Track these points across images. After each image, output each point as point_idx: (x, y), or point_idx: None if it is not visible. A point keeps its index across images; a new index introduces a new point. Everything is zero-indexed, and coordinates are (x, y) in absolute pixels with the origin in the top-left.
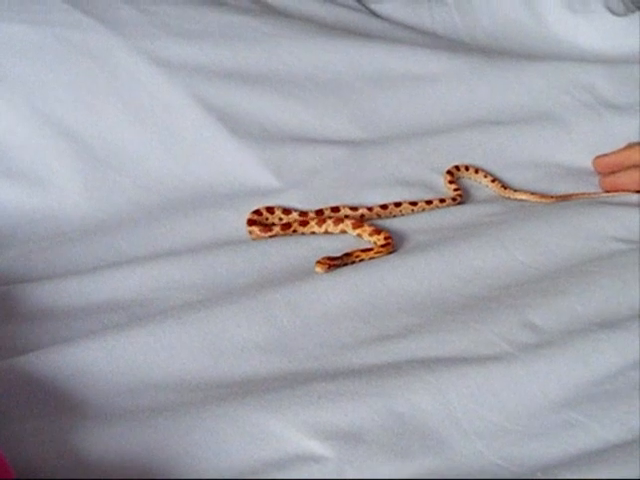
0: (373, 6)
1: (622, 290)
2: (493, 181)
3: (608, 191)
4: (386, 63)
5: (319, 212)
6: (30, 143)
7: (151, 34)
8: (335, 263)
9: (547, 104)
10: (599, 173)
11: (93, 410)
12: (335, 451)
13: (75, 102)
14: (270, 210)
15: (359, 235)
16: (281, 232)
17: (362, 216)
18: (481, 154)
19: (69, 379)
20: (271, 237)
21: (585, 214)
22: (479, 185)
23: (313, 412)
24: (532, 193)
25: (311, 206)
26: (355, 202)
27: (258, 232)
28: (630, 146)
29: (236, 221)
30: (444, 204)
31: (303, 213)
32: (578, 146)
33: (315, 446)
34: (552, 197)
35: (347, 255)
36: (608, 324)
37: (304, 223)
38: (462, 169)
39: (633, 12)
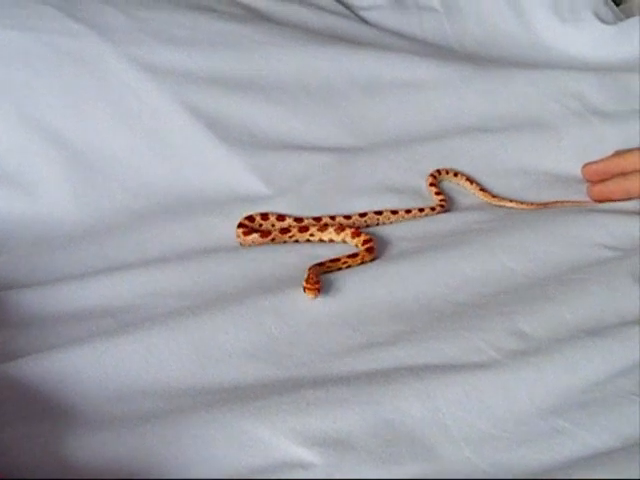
0: (362, 13)
1: (610, 297)
2: (473, 185)
3: (596, 200)
4: (375, 70)
5: (298, 219)
6: (18, 148)
7: (140, 40)
8: (318, 287)
9: (536, 112)
10: (588, 181)
11: (81, 416)
12: (323, 458)
13: (64, 108)
14: (264, 217)
15: (343, 240)
16: (280, 236)
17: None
18: (470, 161)
19: (57, 385)
20: (271, 241)
21: (572, 221)
22: (464, 192)
23: (301, 419)
24: (515, 200)
25: (300, 212)
26: (343, 209)
27: (258, 238)
28: (618, 154)
29: (225, 227)
30: (423, 213)
31: (298, 219)
32: (567, 154)
33: (303, 453)
34: (536, 204)
35: (333, 261)
36: (596, 331)
37: (285, 231)
38: (443, 173)
39: (622, 20)
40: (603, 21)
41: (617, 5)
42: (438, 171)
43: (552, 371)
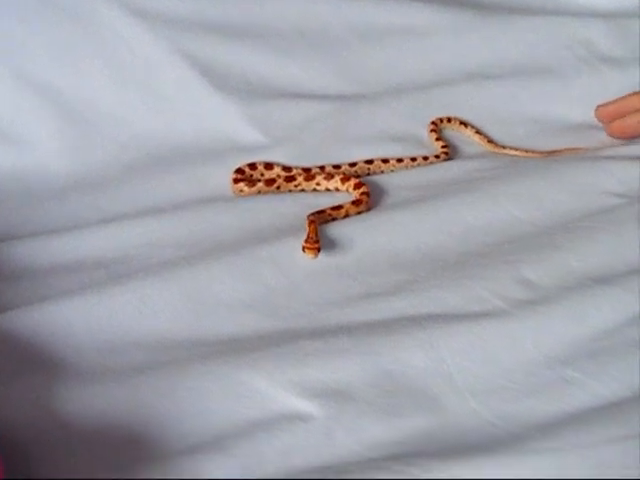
0: None
1: (619, 245)
2: (478, 133)
3: (617, 136)
4: (375, 16)
5: (306, 170)
6: (9, 102)
7: None
8: (318, 246)
9: (542, 58)
10: (602, 122)
11: (73, 369)
12: (322, 410)
13: (55, 61)
14: (252, 166)
15: (347, 190)
16: (265, 188)
17: (343, 174)
18: (472, 109)
19: (48, 338)
20: (258, 192)
21: (580, 169)
22: (467, 140)
23: (299, 370)
24: (521, 149)
25: (299, 162)
26: (343, 157)
27: (244, 188)
28: (631, 94)
29: (221, 177)
30: (427, 161)
31: (286, 168)
32: (575, 101)
33: (302, 404)
34: (541, 152)
35: (335, 209)
36: (605, 280)
37: (289, 179)
38: (445, 121)
39: None
40: None
41: None
42: (440, 119)
43: (560, 320)
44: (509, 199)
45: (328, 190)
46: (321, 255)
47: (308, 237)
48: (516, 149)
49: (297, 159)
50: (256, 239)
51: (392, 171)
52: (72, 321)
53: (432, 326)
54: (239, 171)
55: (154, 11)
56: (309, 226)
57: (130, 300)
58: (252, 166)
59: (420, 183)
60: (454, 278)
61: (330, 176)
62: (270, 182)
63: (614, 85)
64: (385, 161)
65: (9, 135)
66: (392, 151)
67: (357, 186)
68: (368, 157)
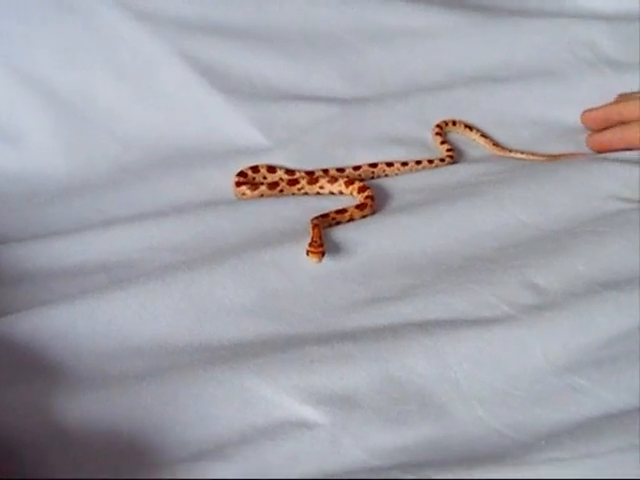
0: None
1: (625, 249)
2: (483, 137)
3: (595, 150)
4: (379, 18)
5: (309, 173)
6: (8, 101)
7: None
8: (322, 250)
9: (547, 61)
10: (588, 129)
11: (72, 375)
12: (329, 417)
13: (55, 59)
14: (255, 169)
15: (351, 193)
16: (268, 191)
17: (347, 177)
18: (478, 112)
19: (48, 343)
20: (261, 196)
21: (586, 173)
22: (472, 143)
23: (305, 376)
24: (527, 152)
25: (302, 165)
26: (347, 160)
27: (247, 191)
28: (620, 100)
29: (223, 181)
30: (432, 165)
31: (289, 171)
32: (578, 104)
33: (308, 412)
34: (546, 156)
35: (340, 212)
36: (612, 285)
37: (293, 182)
38: (450, 124)
39: None
40: None
41: None
42: (445, 122)
43: (568, 326)
44: (515, 203)
45: (332, 194)
46: (326, 259)
47: (312, 241)
48: (522, 152)
49: (300, 162)
50: (259, 243)
51: (396, 174)
52: (72, 326)
53: (439, 332)
54: (241, 174)
55: (156, 12)
56: (313, 230)
57: (131, 305)
58: (254, 169)
59: (425, 186)
60: (460, 283)
61: (334, 179)
62: (273, 185)
63: (618, 87)
64: (389, 164)
65: (9, 136)
66: (397, 154)
67: (361, 189)
68: (372, 160)
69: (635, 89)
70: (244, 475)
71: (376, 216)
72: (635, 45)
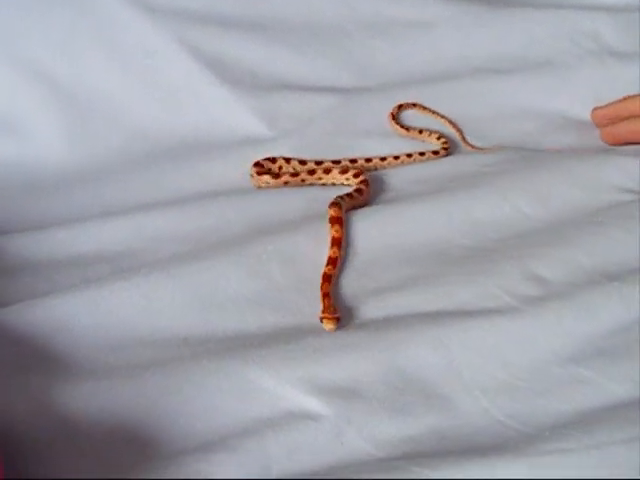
0: None
1: (629, 241)
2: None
3: (608, 143)
4: (382, 8)
5: (318, 163)
6: (9, 91)
7: None
8: (338, 316)
9: (549, 52)
10: (597, 126)
11: (75, 366)
12: (332, 408)
13: (57, 48)
14: (270, 160)
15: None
16: (291, 179)
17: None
18: (479, 103)
19: (50, 334)
20: (284, 184)
21: (590, 164)
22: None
23: (308, 367)
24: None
25: (304, 155)
26: (349, 151)
27: (270, 180)
28: (628, 97)
29: (226, 171)
30: (424, 157)
31: (302, 162)
32: (581, 94)
33: (311, 403)
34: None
35: (358, 191)
36: (615, 276)
37: (311, 172)
38: (408, 106)
39: None
40: None
41: None
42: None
43: (571, 317)
44: (517, 194)
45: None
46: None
47: (325, 308)
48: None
49: (303, 152)
50: (263, 233)
51: (402, 163)
52: (75, 317)
53: (443, 323)
54: (257, 164)
55: (159, 2)
56: (324, 299)
57: (134, 295)
58: (270, 160)
59: (428, 177)
60: (463, 274)
61: (345, 170)
62: (295, 175)
63: (621, 79)
64: (383, 159)
65: (10, 126)
66: (398, 145)
67: (360, 179)
68: (373, 151)
69: (637, 78)
70: (248, 467)
71: (378, 207)
72: (637, 35)
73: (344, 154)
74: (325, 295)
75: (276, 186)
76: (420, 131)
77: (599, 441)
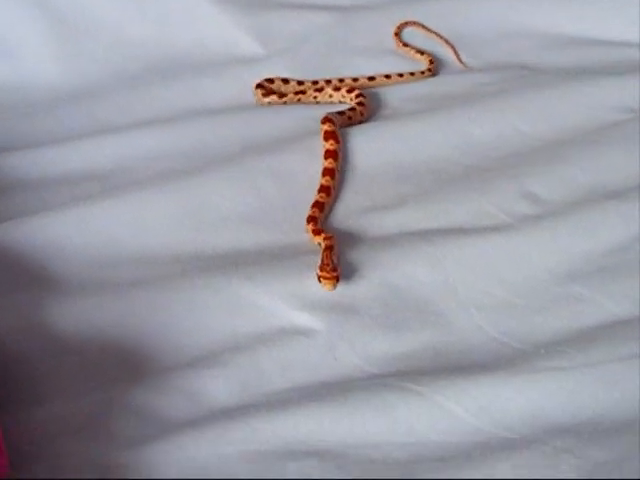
0: None
1: (628, 160)
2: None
3: None
4: None
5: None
6: (2, 12)
7: None
8: (337, 275)
9: None
10: None
11: (64, 284)
12: (325, 324)
13: None
14: (269, 81)
15: (351, 101)
16: (294, 97)
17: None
18: (478, 21)
19: (39, 252)
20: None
21: (589, 83)
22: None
23: (301, 283)
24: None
25: (297, 74)
26: (343, 70)
27: (275, 98)
28: None
29: (219, 89)
30: (413, 77)
31: (300, 82)
32: (581, 13)
33: (304, 319)
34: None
35: (352, 109)
36: (613, 194)
37: (318, 90)
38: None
39: None
40: None
41: None
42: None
43: (568, 235)
44: (516, 113)
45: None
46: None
47: (323, 264)
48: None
49: (297, 71)
50: (257, 151)
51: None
52: (65, 235)
53: (438, 240)
54: (259, 85)
55: None
56: (324, 251)
57: (124, 213)
58: (269, 80)
59: (425, 95)
60: (459, 192)
61: (338, 89)
62: (298, 93)
63: None
64: (371, 78)
65: (3, 47)
66: (392, 63)
67: (358, 96)
68: (367, 70)
69: None
70: (240, 383)
71: (373, 124)
72: None
73: (338, 73)
74: (327, 248)
75: (277, 104)
76: (421, 52)
77: (595, 359)
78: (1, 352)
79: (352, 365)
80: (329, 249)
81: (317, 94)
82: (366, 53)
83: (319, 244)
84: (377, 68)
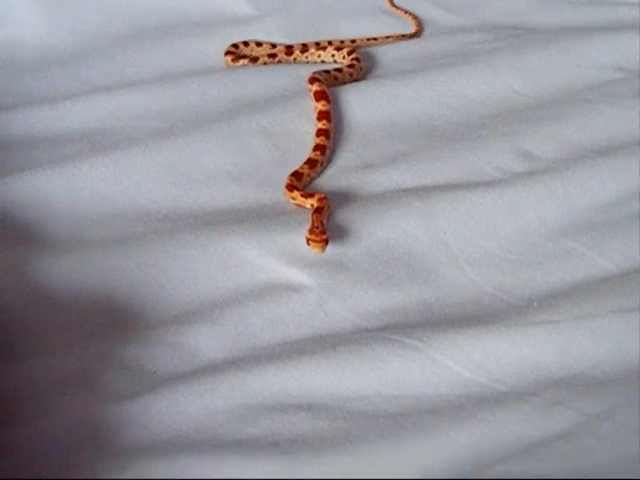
0: None
1: (620, 118)
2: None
3: None
4: None
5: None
6: None
7: None
8: (325, 237)
9: None
10: None
11: (53, 241)
12: (316, 279)
13: None
14: (245, 43)
15: (343, 59)
16: (269, 60)
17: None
18: None
19: (27, 209)
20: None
21: (582, 42)
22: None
23: (292, 239)
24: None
25: (289, 35)
26: (334, 31)
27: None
28: None
29: (209, 49)
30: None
31: (274, 45)
32: None
33: (294, 274)
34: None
35: (338, 70)
36: (608, 151)
37: (289, 53)
38: None
39: None
40: None
41: None
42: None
43: (562, 190)
44: (508, 71)
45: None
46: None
47: (312, 227)
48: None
49: (287, 32)
50: (246, 110)
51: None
52: (53, 192)
53: (429, 196)
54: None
55: None
56: (313, 214)
57: (113, 171)
58: (244, 43)
59: (416, 55)
60: (451, 149)
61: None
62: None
63: None
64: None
65: None
66: (384, 24)
67: (350, 53)
68: (359, 31)
69: None
70: (230, 337)
71: (365, 83)
72: None
73: (327, 34)
74: (316, 210)
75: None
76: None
77: (587, 312)
78: None
79: (343, 319)
80: (319, 211)
81: (320, 52)
82: (357, 13)
83: (312, 205)
84: (367, 28)
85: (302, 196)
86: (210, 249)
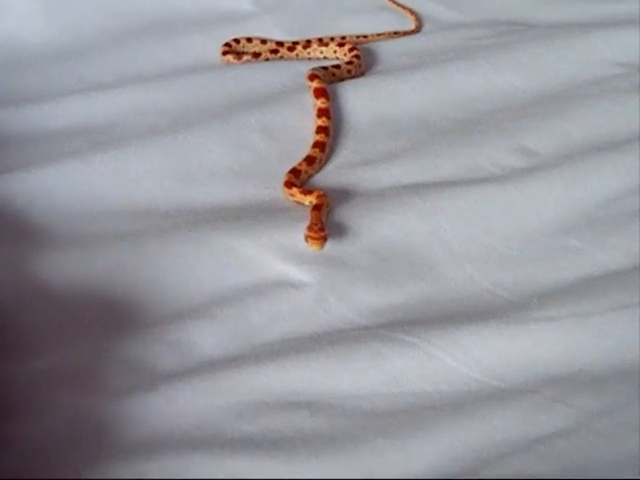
0: None
1: (620, 113)
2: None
3: None
4: None
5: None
6: None
7: None
8: (324, 235)
9: None
10: None
11: (52, 237)
12: (315, 276)
13: None
14: (249, 40)
15: (344, 55)
16: (270, 56)
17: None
18: None
19: (26, 206)
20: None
21: (582, 38)
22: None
23: (291, 236)
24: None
25: (287, 31)
26: (333, 28)
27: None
28: None
29: (207, 46)
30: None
31: (279, 43)
32: None
33: (293, 271)
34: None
35: (336, 67)
36: (608, 147)
37: (291, 49)
38: None
39: None
40: None
41: None
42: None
43: (560, 187)
44: (508, 67)
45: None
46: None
47: (311, 224)
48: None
49: (287, 28)
50: (245, 106)
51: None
52: (51, 188)
53: (429, 193)
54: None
55: None
56: (312, 212)
57: (112, 168)
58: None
59: (416, 51)
60: (451, 146)
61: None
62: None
63: None
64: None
65: None
66: (383, 20)
67: (351, 50)
68: (358, 28)
69: None
70: (229, 334)
71: (364, 79)
72: None
73: (327, 31)
74: (315, 208)
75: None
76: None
77: (587, 309)
78: None
79: (342, 317)
80: (317, 208)
81: (322, 48)
82: (357, 9)
83: (310, 203)
84: (366, 24)
85: (301, 193)
86: (210, 246)
